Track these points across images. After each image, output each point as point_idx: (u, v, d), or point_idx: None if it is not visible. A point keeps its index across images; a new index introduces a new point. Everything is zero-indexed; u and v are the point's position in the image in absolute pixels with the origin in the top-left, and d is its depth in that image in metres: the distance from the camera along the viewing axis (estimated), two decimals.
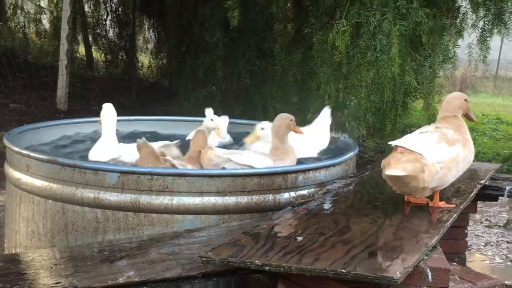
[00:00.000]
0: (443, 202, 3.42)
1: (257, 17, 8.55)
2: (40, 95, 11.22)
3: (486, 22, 7.29)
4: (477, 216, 6.78)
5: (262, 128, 4.57)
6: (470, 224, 5.33)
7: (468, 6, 7.53)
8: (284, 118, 4.19)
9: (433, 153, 3.24)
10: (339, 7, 6.65)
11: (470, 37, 7.66)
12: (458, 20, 7.56)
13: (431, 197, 3.38)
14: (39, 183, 3.82)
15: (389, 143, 3.33)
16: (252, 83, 8.77)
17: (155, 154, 3.90)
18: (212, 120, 4.81)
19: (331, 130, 5.08)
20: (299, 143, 4.51)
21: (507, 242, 6.16)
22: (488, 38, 7.32)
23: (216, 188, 3.62)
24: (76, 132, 5.08)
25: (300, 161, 4.33)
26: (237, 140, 5.01)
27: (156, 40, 13.99)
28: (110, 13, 14.34)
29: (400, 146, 3.25)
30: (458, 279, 2.95)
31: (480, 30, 7.35)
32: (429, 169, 3.20)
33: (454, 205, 3.41)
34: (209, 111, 4.88)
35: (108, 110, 4.50)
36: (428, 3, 6.52)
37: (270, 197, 3.74)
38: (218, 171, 3.80)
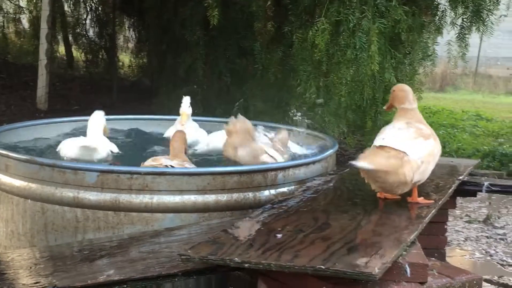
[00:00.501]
0: (422, 197, 3.44)
1: (237, 15, 8.54)
2: (20, 95, 11.12)
3: (464, 20, 7.35)
4: (457, 211, 6.84)
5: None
6: (450, 219, 5.37)
7: (447, 4, 7.58)
8: None
9: (414, 149, 3.26)
10: (318, 6, 6.65)
11: (449, 34, 7.71)
12: (437, 17, 7.61)
13: (409, 193, 3.40)
14: (18, 183, 3.80)
15: (374, 144, 3.32)
16: (233, 81, 8.77)
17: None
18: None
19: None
20: None
21: (487, 237, 6.22)
22: (467, 35, 7.38)
23: (196, 187, 3.61)
24: (56, 132, 5.06)
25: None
26: None
27: (136, 39, 13.91)
28: (90, 12, 14.25)
29: (385, 146, 3.24)
30: (436, 274, 2.96)
31: (459, 28, 7.41)
32: (411, 164, 3.21)
33: (432, 201, 3.44)
34: (186, 99, 4.86)
35: (96, 116, 4.48)
36: (407, 1, 6.57)
37: (250, 194, 3.75)
38: (197, 169, 3.80)
